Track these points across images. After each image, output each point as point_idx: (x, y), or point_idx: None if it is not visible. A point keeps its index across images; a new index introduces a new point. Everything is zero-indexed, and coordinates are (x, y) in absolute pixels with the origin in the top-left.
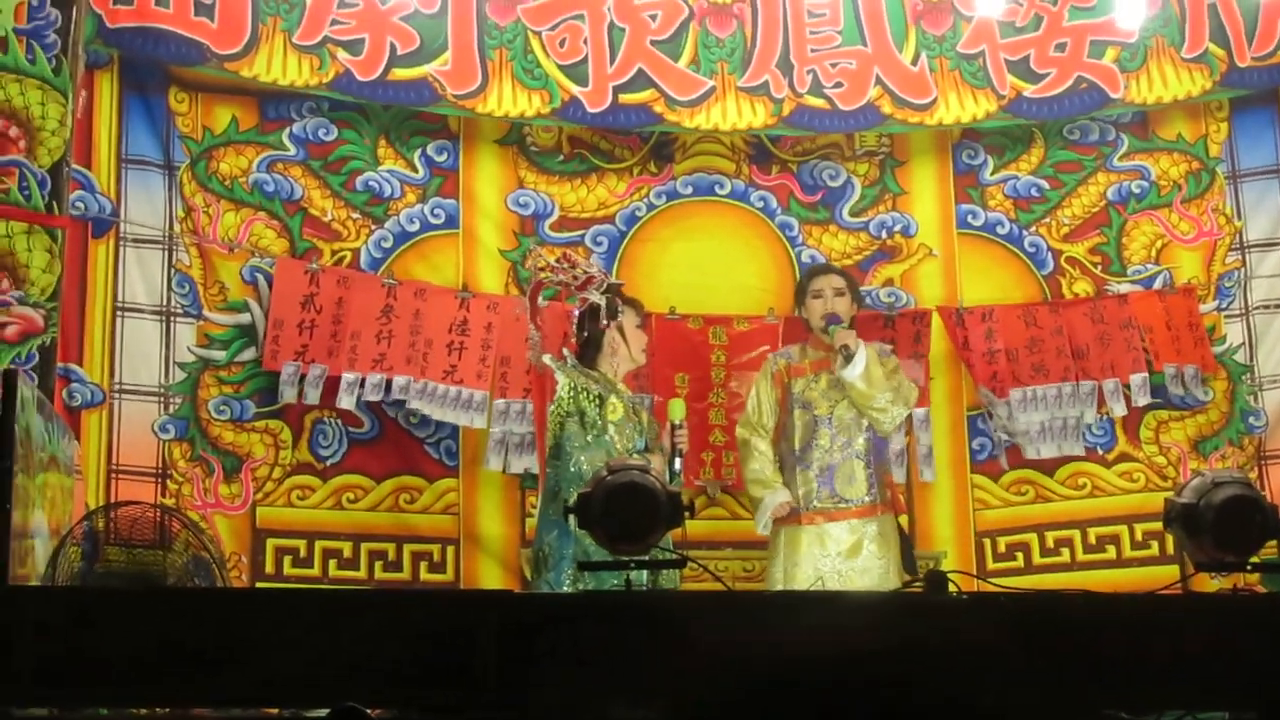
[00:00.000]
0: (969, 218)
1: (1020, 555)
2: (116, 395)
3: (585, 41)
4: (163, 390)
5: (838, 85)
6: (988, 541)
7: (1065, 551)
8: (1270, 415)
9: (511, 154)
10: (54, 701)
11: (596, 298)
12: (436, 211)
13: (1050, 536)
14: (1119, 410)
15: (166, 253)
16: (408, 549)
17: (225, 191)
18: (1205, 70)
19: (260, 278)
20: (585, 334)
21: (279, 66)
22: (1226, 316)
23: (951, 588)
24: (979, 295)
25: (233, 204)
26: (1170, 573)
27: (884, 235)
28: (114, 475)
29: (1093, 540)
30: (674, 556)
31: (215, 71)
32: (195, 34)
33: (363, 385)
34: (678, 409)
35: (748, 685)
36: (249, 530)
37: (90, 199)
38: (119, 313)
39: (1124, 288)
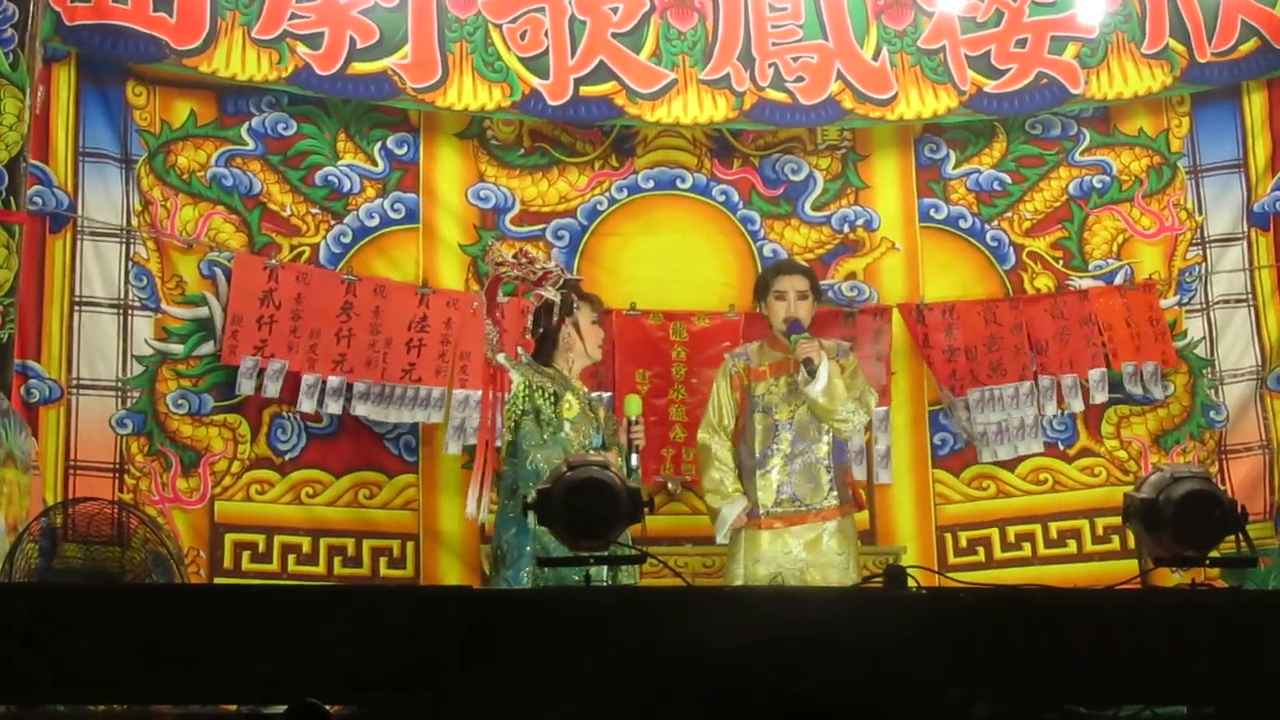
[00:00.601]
0: (931, 212)
1: (981, 550)
2: (74, 390)
3: (546, 34)
4: (120, 385)
5: (799, 79)
6: (949, 536)
7: (1026, 546)
8: (1231, 410)
9: (472, 147)
10: (12, 699)
11: (551, 294)
12: (396, 206)
13: (1011, 531)
14: (1077, 406)
15: (124, 246)
16: (367, 544)
17: (183, 185)
18: (1165, 66)
19: (218, 271)
20: (541, 330)
21: (238, 61)
22: (1187, 311)
23: (911, 583)
24: (941, 289)
25: (191, 198)
26: (1131, 567)
27: (846, 229)
28: (72, 471)
29: (1054, 535)
30: (634, 552)
31: (174, 67)
32: (154, 30)
33: (323, 389)
34: (634, 405)
35: (708, 680)
36: (207, 525)
37: (48, 193)
38: (76, 307)
39: (1086, 283)
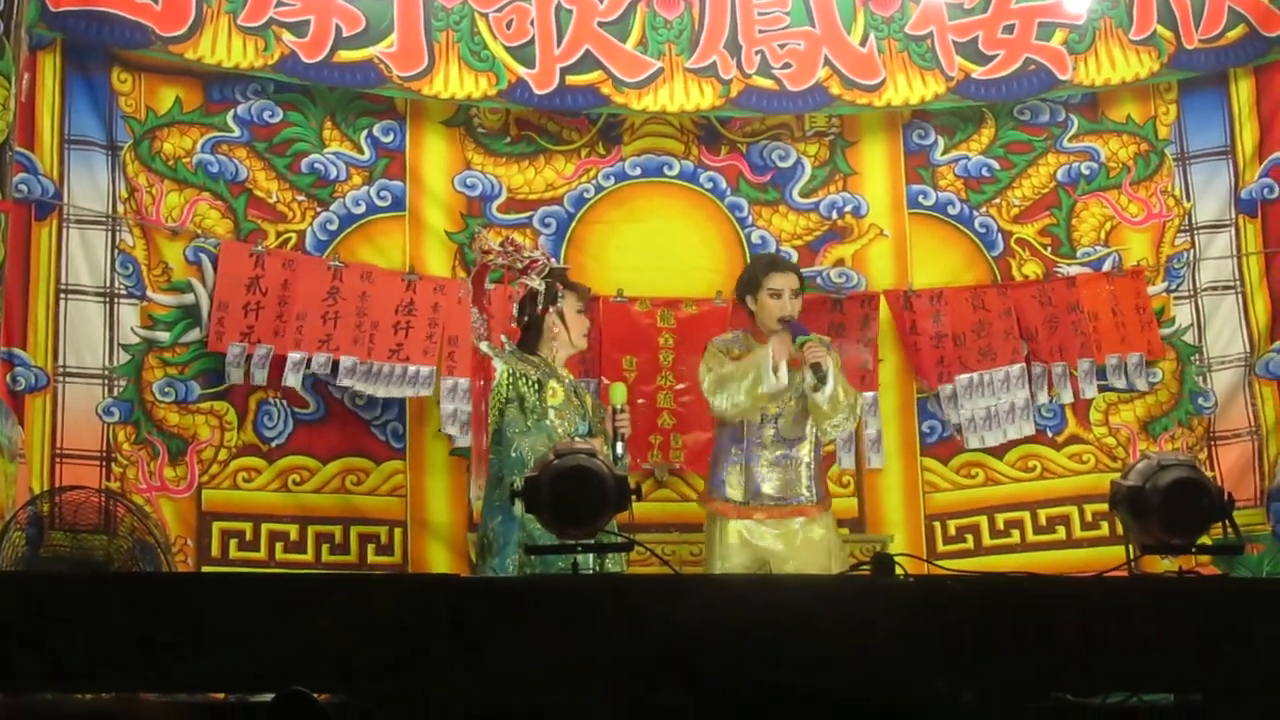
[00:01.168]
0: (920, 198)
1: (970, 537)
2: (60, 378)
3: (532, 23)
4: (107, 373)
5: (786, 66)
6: (937, 524)
7: (1015, 533)
8: (1219, 396)
9: (458, 135)
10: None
11: (536, 283)
12: (383, 193)
13: (1000, 518)
14: (1066, 396)
15: (110, 234)
16: (355, 531)
17: (169, 172)
18: (1153, 52)
19: (204, 258)
20: (526, 319)
21: (224, 48)
22: (1175, 298)
23: (898, 571)
24: (930, 276)
25: (176, 184)
26: (1120, 553)
27: (834, 216)
28: (58, 459)
29: (1043, 522)
30: (620, 540)
31: (159, 54)
32: (139, 16)
33: (309, 365)
34: (618, 393)
35: (692, 669)
36: (194, 513)
37: (33, 181)
38: (62, 295)
39: (1074, 270)
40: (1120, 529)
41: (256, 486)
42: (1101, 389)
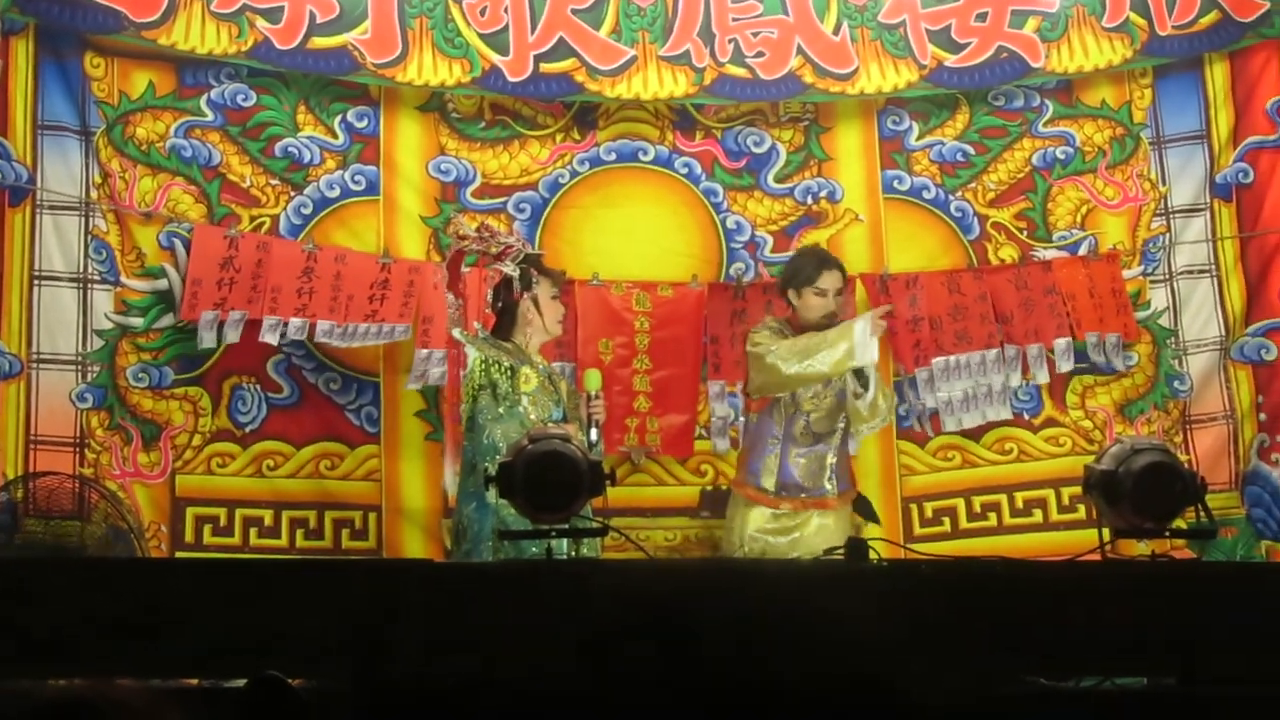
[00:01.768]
0: (895, 183)
1: (947, 520)
2: (34, 365)
3: (506, 10)
4: (80, 359)
5: (759, 55)
6: (914, 507)
7: (992, 516)
8: (1195, 380)
9: (433, 120)
10: None
11: (511, 269)
12: (357, 178)
13: (977, 501)
14: (1042, 377)
15: (83, 219)
16: (329, 516)
17: (142, 157)
18: (1126, 39)
19: (177, 243)
20: (500, 305)
21: (197, 34)
22: (1151, 282)
23: (872, 555)
24: (906, 261)
25: (149, 169)
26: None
27: (809, 201)
28: (32, 446)
29: (1020, 505)
30: (595, 525)
31: (132, 39)
32: (112, 2)
33: (285, 327)
34: (593, 380)
35: (658, 655)
36: (168, 499)
37: (6, 167)
38: (36, 281)
39: (1050, 253)
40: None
41: (230, 472)
42: (1079, 369)
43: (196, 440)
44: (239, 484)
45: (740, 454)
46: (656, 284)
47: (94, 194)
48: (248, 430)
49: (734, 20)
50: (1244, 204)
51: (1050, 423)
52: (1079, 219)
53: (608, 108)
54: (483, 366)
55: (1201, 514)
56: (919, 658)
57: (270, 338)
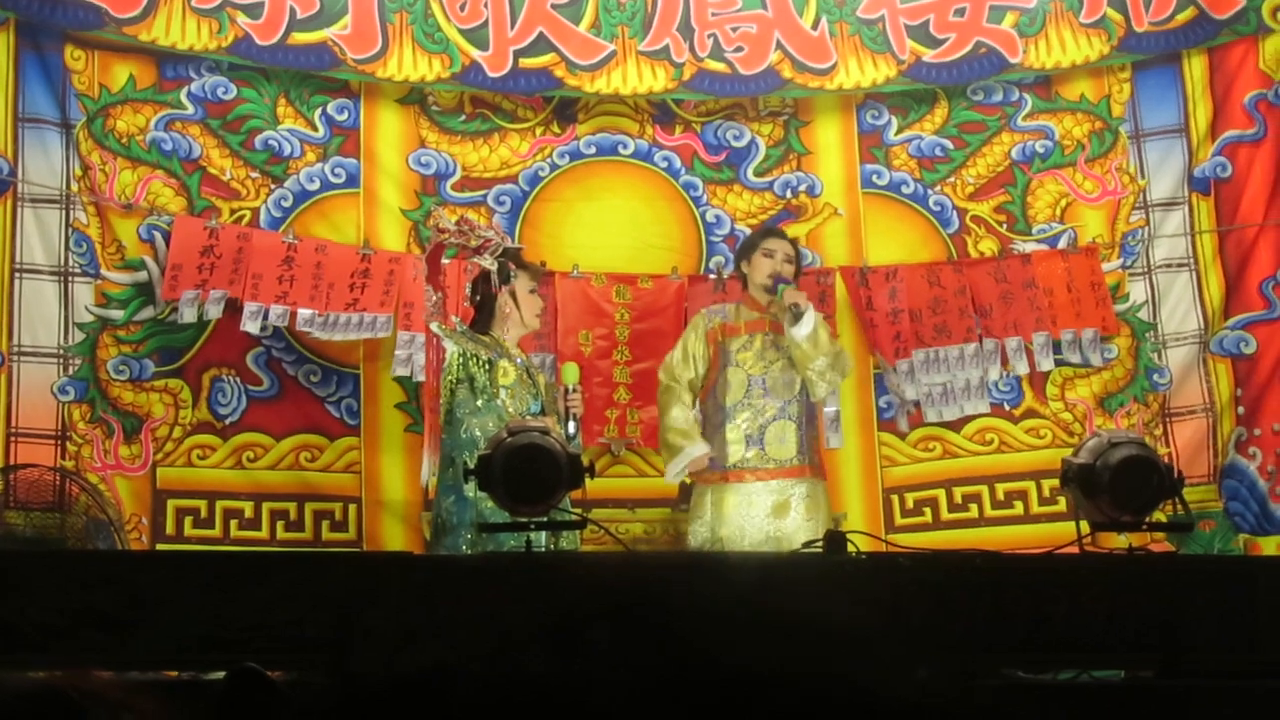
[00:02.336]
0: (874, 177)
1: (928, 511)
2: (15, 358)
3: (486, 5)
4: (61, 351)
5: (738, 49)
6: (895, 498)
7: (973, 507)
8: (1174, 373)
9: (413, 113)
10: None
11: (488, 263)
12: (337, 171)
13: (958, 492)
14: (1022, 369)
15: (64, 212)
16: (309, 508)
17: (122, 150)
18: (1103, 35)
19: (158, 235)
20: (478, 298)
21: (177, 30)
22: (1130, 275)
23: (851, 548)
24: (885, 255)
25: (130, 162)
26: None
27: (789, 195)
28: (13, 438)
29: (1000, 496)
30: (574, 518)
31: (113, 35)
32: None
33: (266, 317)
34: (571, 373)
35: (630, 649)
36: (149, 491)
37: None
38: (16, 274)
39: (1030, 246)
40: None
41: (211, 464)
42: (1057, 364)
43: (177, 433)
44: (219, 476)
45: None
46: (636, 276)
47: (74, 187)
48: (228, 422)
49: (713, 15)
50: (1222, 198)
51: (1031, 414)
52: (1058, 212)
53: (587, 101)
54: (460, 360)
55: (1179, 507)
56: (894, 650)
57: (251, 326)
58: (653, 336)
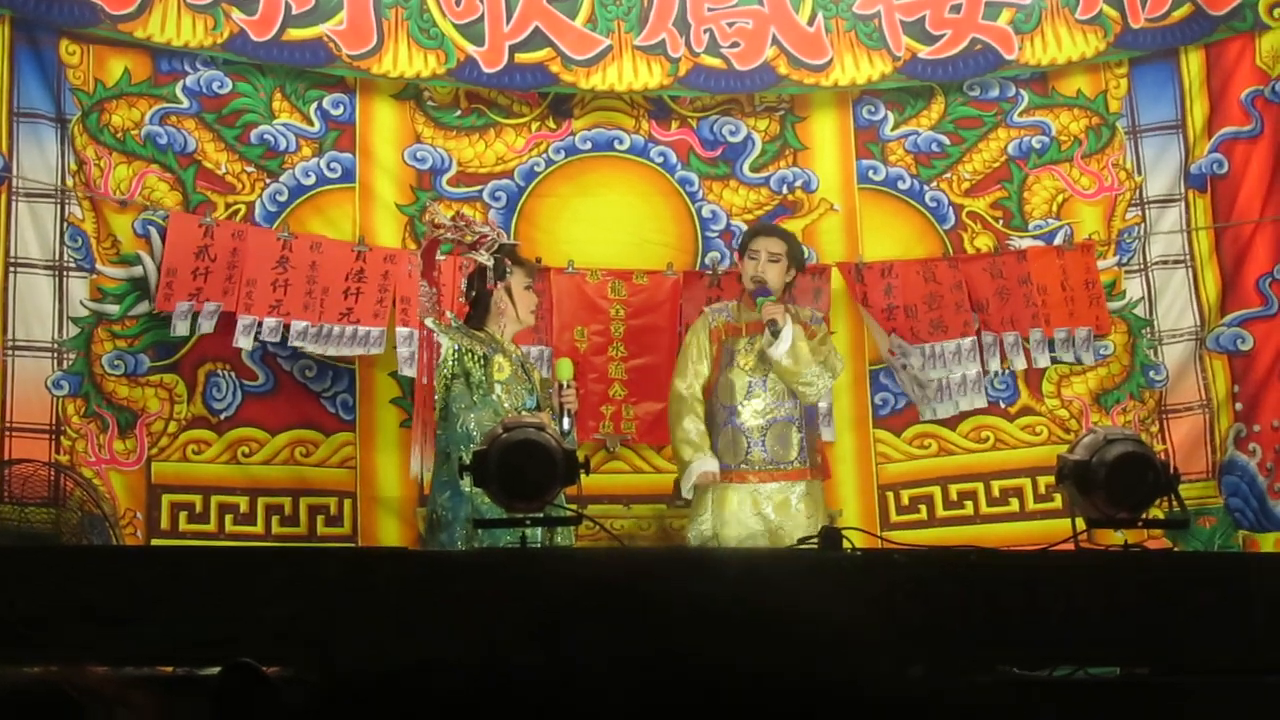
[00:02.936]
0: (870, 173)
1: (923, 508)
2: (10, 352)
3: (481, 0)
4: (56, 346)
5: (734, 45)
6: (890, 495)
7: (969, 504)
8: (1170, 369)
9: (409, 108)
10: None
11: (484, 259)
12: (333, 165)
13: (953, 489)
14: (1019, 364)
15: (59, 207)
16: (304, 503)
17: (117, 144)
18: (1099, 31)
19: (153, 230)
20: (474, 294)
21: (173, 27)
22: (1126, 272)
23: (846, 545)
24: (881, 250)
25: (125, 157)
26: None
27: (785, 190)
28: (7, 433)
29: (996, 493)
30: (569, 513)
31: (109, 32)
32: None
33: (260, 328)
34: (565, 369)
35: (621, 647)
36: (144, 486)
37: None
38: (11, 268)
39: (1026, 242)
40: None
41: (206, 459)
42: (1052, 361)
43: (172, 427)
44: (214, 471)
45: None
46: (632, 272)
47: (69, 181)
48: (223, 417)
49: (709, 10)
50: (1219, 194)
51: (1026, 411)
52: (1054, 208)
53: (583, 96)
54: (455, 355)
55: (1175, 504)
56: (892, 648)
57: (244, 343)
58: (648, 333)
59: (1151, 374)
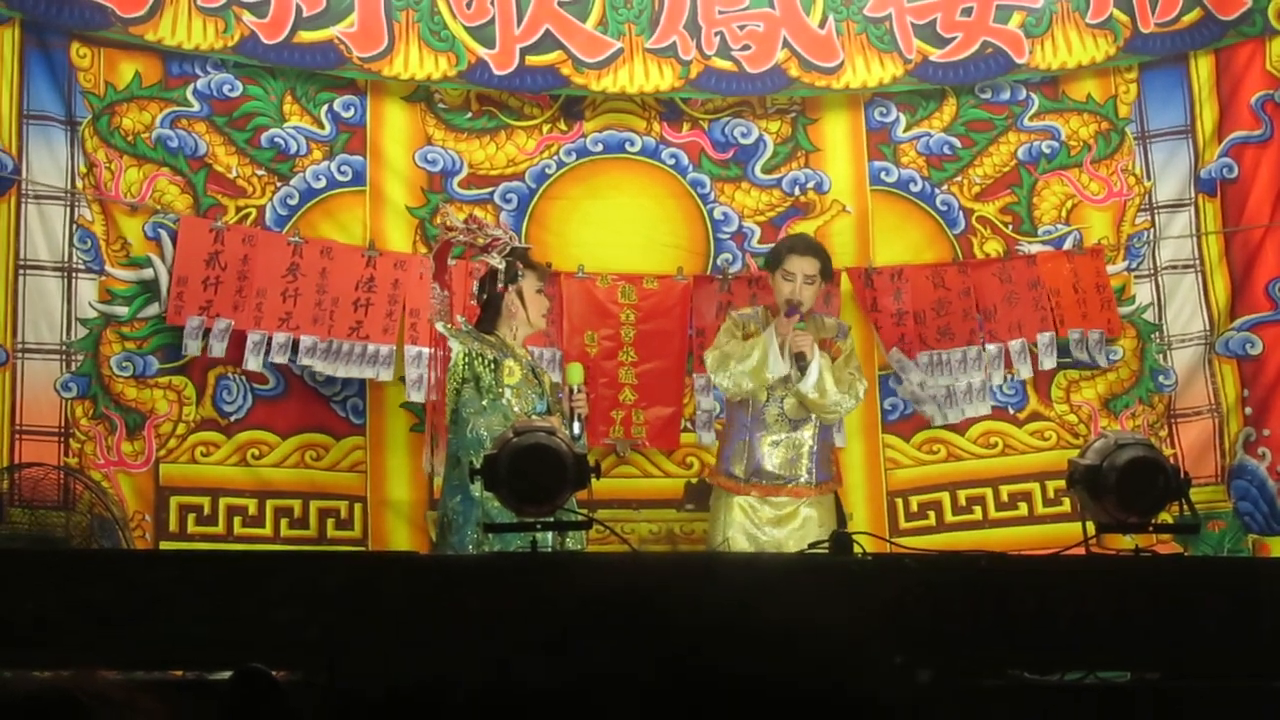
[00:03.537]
0: (882, 175)
1: (932, 514)
2: (19, 354)
3: (492, 2)
4: (65, 348)
5: (745, 48)
6: (900, 501)
7: (977, 510)
8: (1179, 374)
9: (419, 111)
10: None
11: (496, 261)
12: (343, 168)
13: (962, 495)
14: (1025, 372)
15: (69, 209)
16: (314, 506)
17: (128, 147)
18: (1109, 36)
19: (163, 233)
20: (485, 297)
21: (184, 30)
22: (1136, 276)
23: (857, 549)
24: (892, 253)
25: (135, 160)
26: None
27: (796, 192)
28: (17, 435)
29: (1005, 498)
30: (580, 518)
31: (119, 35)
32: None
33: (269, 346)
34: (575, 374)
35: (630, 650)
36: (152, 488)
37: None
38: (21, 271)
39: (1035, 248)
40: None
41: (215, 461)
42: (1061, 365)
43: (181, 429)
44: (223, 473)
45: (720, 441)
46: (642, 277)
47: (79, 184)
48: (232, 420)
49: (720, 13)
50: (1228, 199)
51: (1035, 417)
52: (1064, 213)
53: (594, 98)
54: (466, 359)
55: (1185, 508)
56: (903, 652)
57: (254, 364)
58: (658, 337)
59: (1161, 379)
